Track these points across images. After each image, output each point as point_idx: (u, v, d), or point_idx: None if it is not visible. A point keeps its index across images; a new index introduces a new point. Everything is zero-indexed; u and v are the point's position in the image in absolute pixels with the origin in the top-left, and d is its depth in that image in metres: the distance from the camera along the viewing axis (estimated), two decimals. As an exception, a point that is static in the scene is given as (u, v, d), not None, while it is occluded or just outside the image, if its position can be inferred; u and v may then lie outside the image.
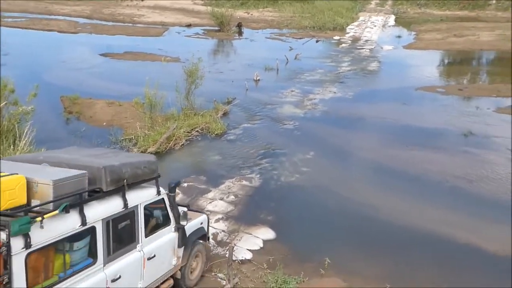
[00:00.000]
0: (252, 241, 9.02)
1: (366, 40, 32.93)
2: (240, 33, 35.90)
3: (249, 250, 8.70)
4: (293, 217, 10.19)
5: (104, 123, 15.47)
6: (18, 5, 43.62)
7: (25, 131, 11.41)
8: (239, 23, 36.98)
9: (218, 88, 19.40)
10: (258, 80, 21.57)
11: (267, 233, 9.32)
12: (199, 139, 14.34)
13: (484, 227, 9.77)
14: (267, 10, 45.55)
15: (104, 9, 45.25)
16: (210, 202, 10.39)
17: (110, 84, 20.34)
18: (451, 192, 11.35)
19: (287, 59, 25.69)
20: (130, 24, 38.27)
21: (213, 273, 7.90)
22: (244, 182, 11.51)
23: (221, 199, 10.56)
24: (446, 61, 29.09)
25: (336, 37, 34.19)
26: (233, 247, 8.09)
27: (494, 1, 43.75)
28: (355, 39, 33.46)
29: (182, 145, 13.66)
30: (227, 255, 7.86)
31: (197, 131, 14.61)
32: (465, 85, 22.33)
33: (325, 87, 20.72)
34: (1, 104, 11.58)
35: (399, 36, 34.42)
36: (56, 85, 19.75)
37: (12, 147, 11.10)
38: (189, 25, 37.91)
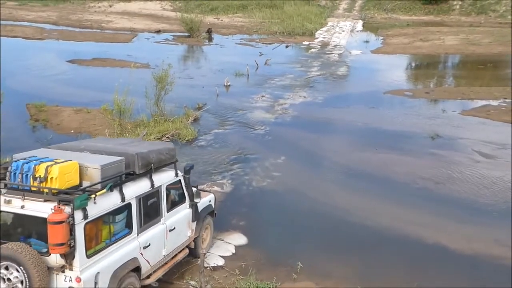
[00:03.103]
0: (224, 247, 9.01)
1: (335, 45, 33.30)
2: (210, 39, 35.83)
3: (221, 256, 8.69)
4: (265, 222, 10.21)
5: (72, 131, 15.19)
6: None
7: (-11, 140, 11.11)
8: (209, 29, 36.92)
9: (188, 94, 19.32)
10: (229, 85, 21.56)
11: (239, 239, 9.32)
12: (170, 145, 14.20)
13: (452, 226, 10.00)
14: (237, 16, 45.59)
15: (71, 15, 44.51)
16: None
17: (78, 91, 19.98)
18: (420, 193, 11.57)
19: (257, 65, 25.75)
20: (98, 30, 37.71)
21: (184, 281, 7.85)
22: (216, 188, 11.46)
23: (193, 205, 10.49)
24: (413, 65, 29.68)
25: (306, 42, 34.48)
26: (204, 253, 8.05)
27: (457, 6, 44.86)
28: (324, 44, 33.81)
29: (152, 152, 13.51)
30: (198, 262, 7.81)
31: (167, 137, 14.51)
32: (431, 88, 22.81)
33: (295, 92, 20.86)
34: None
35: (367, 41, 34.90)
36: (21, 92, 19.34)
37: (-24, 156, 10.78)
38: (158, 31, 37.63)
